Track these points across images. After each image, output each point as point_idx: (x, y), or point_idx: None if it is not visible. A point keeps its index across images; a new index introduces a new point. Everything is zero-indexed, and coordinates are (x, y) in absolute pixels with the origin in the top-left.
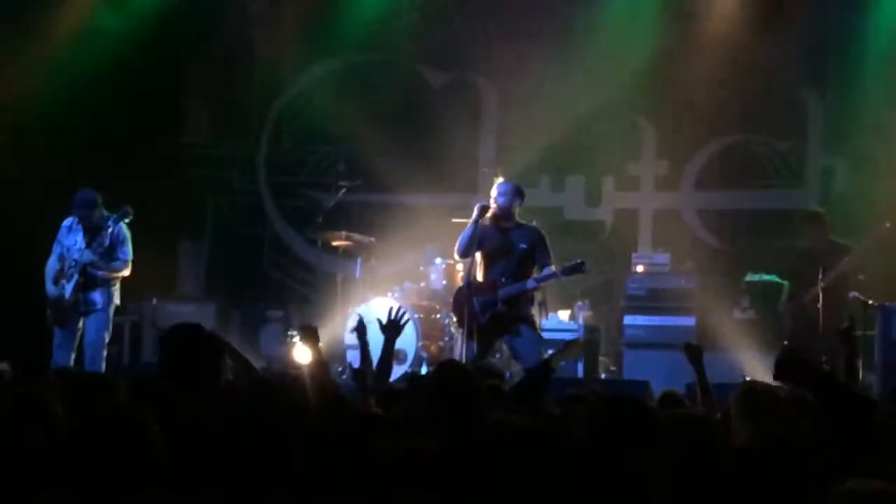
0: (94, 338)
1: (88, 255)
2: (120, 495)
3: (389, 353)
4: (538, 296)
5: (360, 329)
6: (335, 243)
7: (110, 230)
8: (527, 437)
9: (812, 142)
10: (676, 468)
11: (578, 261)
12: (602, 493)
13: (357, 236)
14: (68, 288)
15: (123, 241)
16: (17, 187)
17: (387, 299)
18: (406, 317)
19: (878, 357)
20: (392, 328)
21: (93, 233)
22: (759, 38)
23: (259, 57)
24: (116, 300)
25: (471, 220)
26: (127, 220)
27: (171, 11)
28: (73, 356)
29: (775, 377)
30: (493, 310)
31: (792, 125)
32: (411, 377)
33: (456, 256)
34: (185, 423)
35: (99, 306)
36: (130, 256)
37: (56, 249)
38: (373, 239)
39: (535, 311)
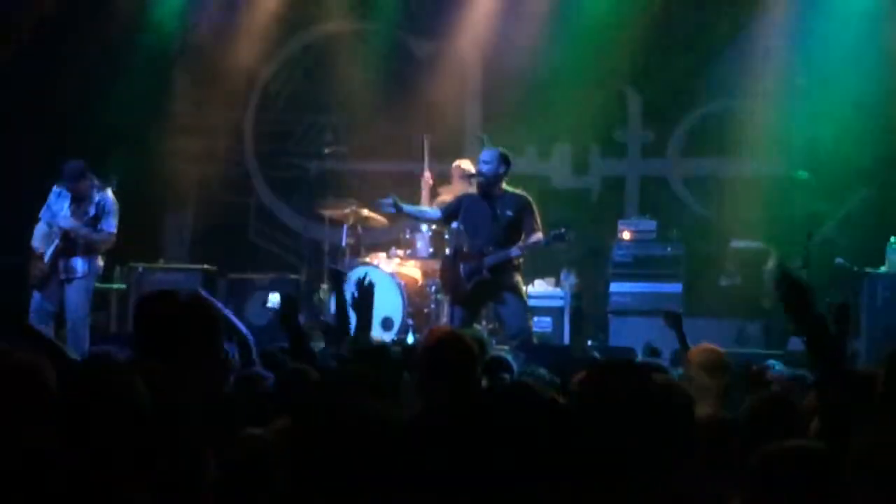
0: (75, 306)
1: (68, 222)
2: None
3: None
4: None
5: (337, 282)
6: (322, 211)
7: (96, 199)
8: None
9: (797, 109)
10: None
11: (562, 229)
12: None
13: (343, 204)
14: (48, 251)
15: (109, 213)
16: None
17: (373, 267)
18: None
19: (864, 324)
20: (362, 296)
21: (80, 202)
22: (742, 5)
23: (244, 28)
24: (99, 269)
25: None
26: (112, 188)
27: None
28: (52, 323)
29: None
30: (478, 277)
31: (777, 92)
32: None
33: (436, 222)
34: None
35: (79, 274)
36: (115, 229)
37: (45, 214)
38: (358, 206)
39: (520, 277)
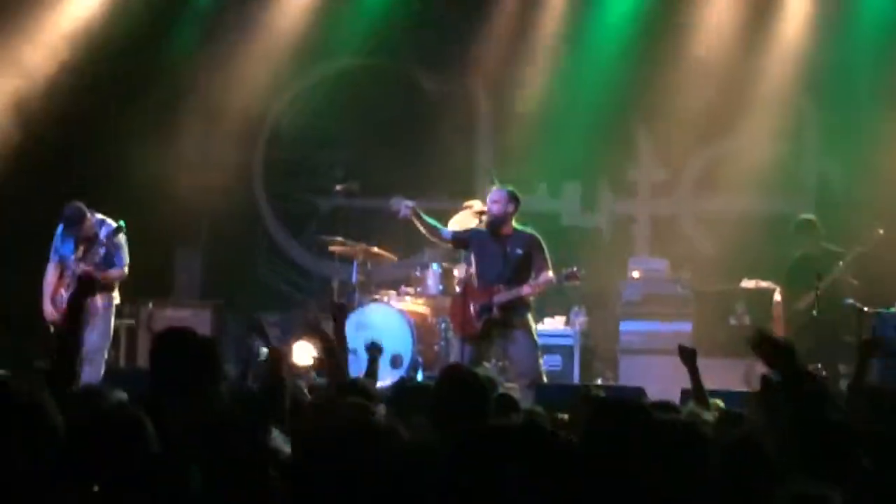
0: (95, 342)
1: (82, 270)
2: (119, 496)
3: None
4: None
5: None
6: (331, 248)
7: (103, 237)
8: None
9: (807, 147)
10: (669, 470)
11: (573, 268)
12: (600, 495)
13: (353, 241)
14: (66, 295)
15: (119, 248)
16: (11, 193)
17: (382, 304)
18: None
19: (874, 365)
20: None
21: (86, 243)
22: (756, 43)
23: (255, 63)
24: (116, 301)
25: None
26: (120, 235)
27: (164, 15)
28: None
29: (754, 350)
30: (487, 315)
31: (787, 130)
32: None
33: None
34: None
35: (99, 311)
36: (127, 261)
37: (53, 258)
38: (369, 244)
39: (531, 316)
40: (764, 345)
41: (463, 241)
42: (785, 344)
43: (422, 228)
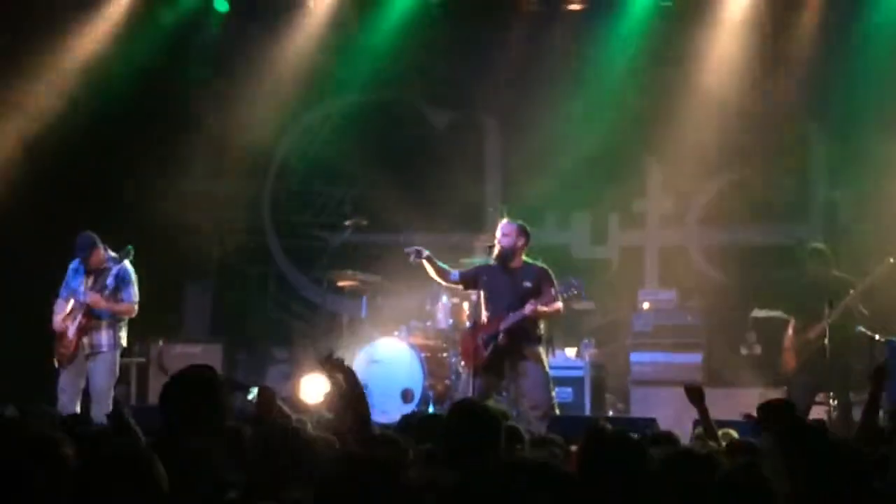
0: (100, 381)
1: (90, 297)
2: None
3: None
4: (545, 333)
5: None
6: (341, 283)
7: (114, 271)
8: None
9: (815, 176)
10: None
11: (572, 281)
12: None
13: (362, 276)
14: (71, 329)
15: (128, 283)
16: (20, 230)
17: (393, 339)
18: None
19: (886, 395)
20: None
21: (97, 274)
22: (762, 74)
23: (263, 98)
24: (123, 342)
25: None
26: (129, 259)
27: (173, 49)
28: (78, 399)
29: (760, 424)
30: (494, 343)
31: (794, 160)
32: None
33: (450, 282)
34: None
35: (104, 348)
36: (136, 298)
37: (63, 292)
38: (378, 278)
39: (542, 348)
40: (770, 415)
41: (471, 279)
42: (784, 405)
43: (432, 273)
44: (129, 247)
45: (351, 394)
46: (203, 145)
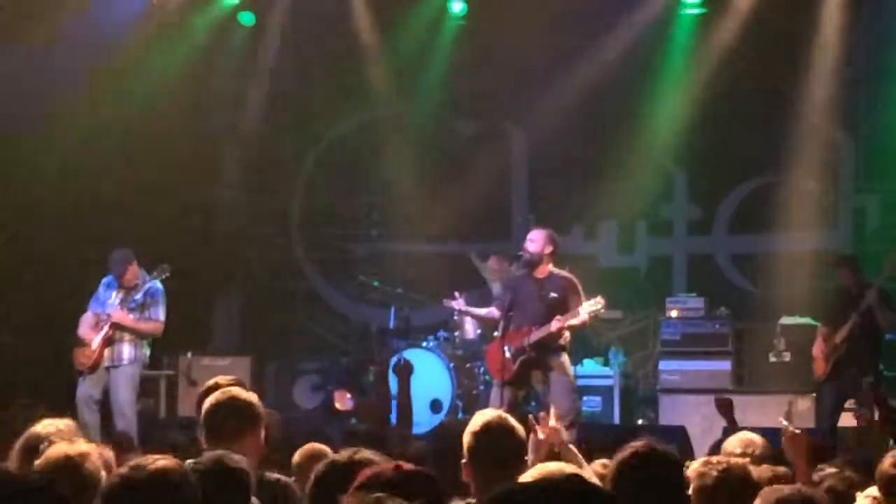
0: (121, 393)
1: (117, 311)
2: None
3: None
4: (570, 343)
5: (404, 371)
6: (369, 294)
7: (144, 287)
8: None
9: (843, 182)
10: None
11: (598, 297)
12: None
13: (390, 286)
14: (96, 339)
15: (157, 302)
16: (56, 245)
17: (421, 349)
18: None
19: None
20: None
21: (127, 290)
22: (787, 80)
23: (290, 110)
24: (146, 358)
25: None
26: (164, 277)
27: (202, 61)
28: (97, 409)
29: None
30: (522, 357)
31: (822, 165)
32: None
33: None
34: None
35: (125, 361)
36: (162, 318)
37: (93, 305)
38: (406, 289)
39: (567, 357)
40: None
41: (508, 302)
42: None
43: (476, 318)
44: (166, 265)
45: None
46: (232, 157)
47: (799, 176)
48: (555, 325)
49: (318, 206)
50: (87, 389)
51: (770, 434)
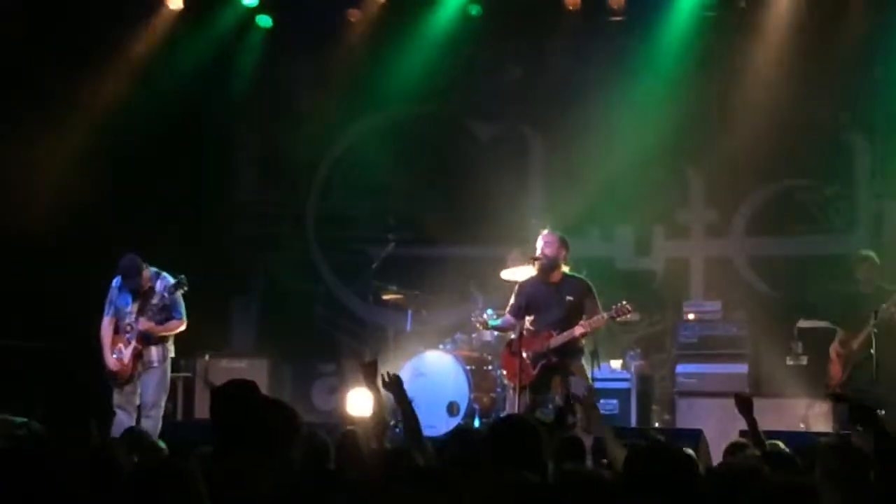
0: (152, 394)
1: (144, 324)
2: None
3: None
4: (589, 346)
5: (397, 387)
6: (385, 297)
7: (159, 289)
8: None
9: (861, 186)
10: None
11: (621, 302)
12: None
13: (407, 289)
14: (126, 353)
15: (177, 302)
16: (67, 245)
17: (438, 352)
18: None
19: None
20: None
21: (142, 297)
22: (805, 83)
23: (306, 113)
24: (171, 353)
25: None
26: (182, 292)
27: (218, 65)
28: (135, 415)
29: (852, 420)
30: (543, 362)
31: (840, 170)
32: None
33: (512, 325)
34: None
35: (155, 363)
36: (184, 313)
37: (108, 310)
38: (423, 291)
39: (585, 361)
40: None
41: (523, 308)
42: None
43: (501, 331)
44: (183, 277)
45: (403, 408)
46: (249, 161)
47: (817, 180)
48: (578, 329)
49: (334, 209)
50: (124, 396)
51: (788, 438)
